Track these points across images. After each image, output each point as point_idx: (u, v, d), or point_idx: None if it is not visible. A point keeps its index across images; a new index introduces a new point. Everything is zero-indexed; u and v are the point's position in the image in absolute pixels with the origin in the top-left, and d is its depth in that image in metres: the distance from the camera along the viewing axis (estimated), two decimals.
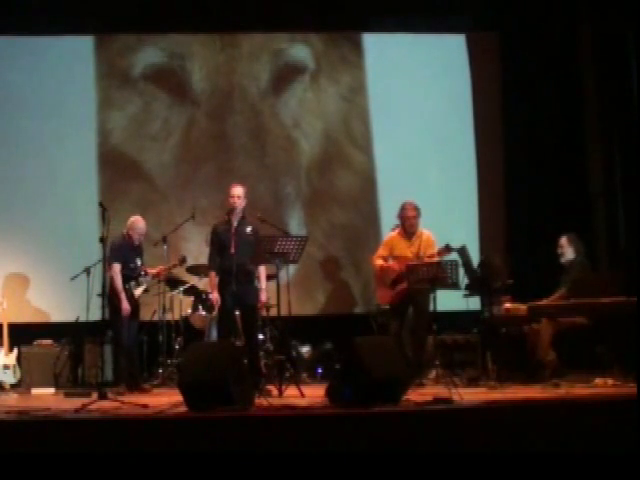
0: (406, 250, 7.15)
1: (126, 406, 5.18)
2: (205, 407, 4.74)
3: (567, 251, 7.04)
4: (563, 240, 7.09)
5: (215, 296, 6.55)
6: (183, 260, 7.56)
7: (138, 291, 7.22)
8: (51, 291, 8.46)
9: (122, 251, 7.15)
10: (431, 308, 6.99)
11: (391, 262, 7.17)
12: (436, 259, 6.88)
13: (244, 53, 9.06)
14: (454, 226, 8.32)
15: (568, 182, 8.76)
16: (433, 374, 7.04)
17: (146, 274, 7.28)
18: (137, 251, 7.31)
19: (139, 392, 6.81)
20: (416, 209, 7.18)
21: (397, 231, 7.33)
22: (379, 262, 7.21)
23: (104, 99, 8.90)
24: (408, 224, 7.17)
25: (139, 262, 7.28)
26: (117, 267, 7.06)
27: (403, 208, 7.23)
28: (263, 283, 6.75)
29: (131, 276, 7.19)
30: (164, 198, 8.82)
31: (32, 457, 4.02)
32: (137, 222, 7.29)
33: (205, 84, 9.01)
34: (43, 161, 8.69)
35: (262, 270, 6.74)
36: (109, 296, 6.73)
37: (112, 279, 6.99)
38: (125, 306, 7.00)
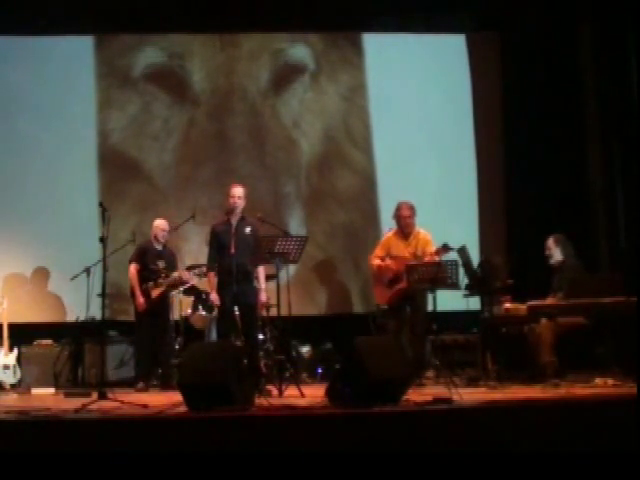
0: (404, 250, 7.17)
1: (126, 406, 5.18)
2: (205, 407, 4.74)
3: (555, 252, 7.03)
4: (550, 241, 7.07)
5: (214, 296, 6.56)
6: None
7: (155, 292, 7.38)
8: (51, 291, 8.46)
9: (141, 253, 7.53)
10: (430, 308, 7.02)
11: (388, 262, 7.18)
12: (436, 259, 6.89)
13: (244, 53, 9.05)
14: (454, 226, 8.32)
15: (568, 182, 8.76)
16: (432, 374, 7.07)
17: (166, 277, 7.39)
18: (161, 254, 7.55)
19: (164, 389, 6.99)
20: (411, 208, 7.20)
21: (393, 231, 7.34)
22: (376, 262, 7.24)
23: (104, 99, 8.90)
24: (404, 224, 7.20)
25: (161, 264, 7.46)
26: (132, 267, 7.46)
27: (398, 208, 7.27)
28: (262, 283, 6.75)
29: (149, 277, 7.41)
30: (164, 198, 8.81)
31: (32, 457, 4.02)
32: (156, 224, 7.60)
33: (205, 84, 9.01)
34: (43, 161, 8.69)
35: (261, 270, 6.75)
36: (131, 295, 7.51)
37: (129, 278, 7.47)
38: (139, 301, 7.31)
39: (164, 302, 7.50)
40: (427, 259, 6.97)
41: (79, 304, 7.20)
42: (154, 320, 7.43)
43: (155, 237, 7.57)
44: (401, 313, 7.15)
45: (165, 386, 7.17)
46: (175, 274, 7.42)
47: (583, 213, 8.74)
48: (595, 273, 7.59)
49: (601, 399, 5.30)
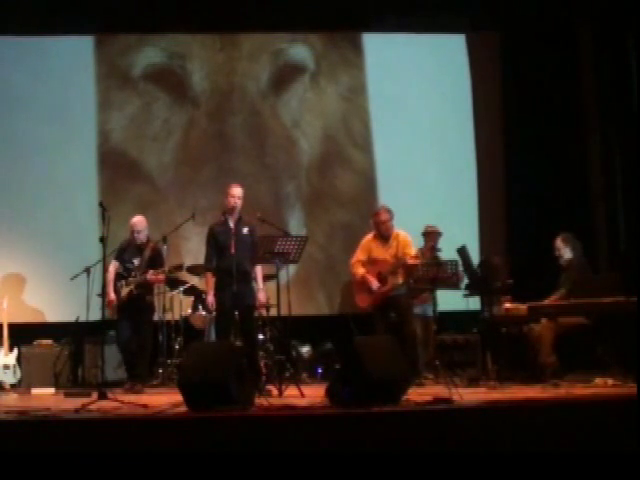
0: (384, 253, 7.13)
1: (126, 406, 5.18)
2: (205, 407, 4.74)
3: (564, 251, 7.03)
4: (558, 242, 7.07)
5: (211, 299, 6.54)
6: (179, 267, 7.41)
7: (124, 291, 7.23)
8: (51, 291, 8.46)
9: (122, 250, 7.35)
10: (431, 309, 7.04)
11: (369, 267, 7.12)
12: (417, 262, 6.91)
13: (244, 53, 9.06)
14: (454, 226, 8.32)
15: (568, 182, 8.76)
16: (432, 374, 7.08)
17: (135, 275, 7.25)
18: (139, 251, 7.35)
19: (134, 392, 6.81)
20: (389, 212, 7.17)
21: (373, 234, 7.30)
22: (360, 270, 7.17)
23: (104, 99, 8.90)
24: (384, 228, 7.16)
25: (137, 262, 7.30)
26: (112, 264, 7.23)
27: (377, 214, 7.24)
28: (260, 283, 6.73)
29: (124, 275, 7.30)
30: (164, 198, 8.82)
31: (32, 457, 4.02)
32: (133, 221, 7.40)
33: (205, 84, 9.01)
34: (43, 161, 8.70)
35: (259, 270, 6.74)
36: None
37: None
38: (108, 298, 7.07)
39: (138, 303, 7.22)
40: (410, 261, 6.94)
41: (79, 304, 7.19)
42: (131, 320, 7.21)
43: (132, 235, 7.39)
44: (386, 315, 7.11)
45: (133, 388, 6.96)
46: (148, 276, 7.16)
47: (583, 213, 8.74)
48: (595, 273, 7.58)
49: (601, 399, 5.29)
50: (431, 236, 7.84)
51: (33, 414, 4.79)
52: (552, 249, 7.09)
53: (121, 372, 7.70)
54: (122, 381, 7.45)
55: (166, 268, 7.19)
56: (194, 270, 7.96)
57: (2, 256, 8.47)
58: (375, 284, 7.03)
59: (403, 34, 9.08)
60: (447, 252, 7.50)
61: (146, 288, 7.29)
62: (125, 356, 7.27)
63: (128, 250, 7.37)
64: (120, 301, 7.20)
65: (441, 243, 7.84)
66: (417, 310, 7.47)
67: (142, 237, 7.37)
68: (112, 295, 7.17)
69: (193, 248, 8.39)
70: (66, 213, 8.60)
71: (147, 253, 7.33)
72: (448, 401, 4.98)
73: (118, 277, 7.29)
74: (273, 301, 6.86)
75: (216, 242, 6.60)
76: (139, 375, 7.19)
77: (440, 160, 8.96)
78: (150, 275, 7.17)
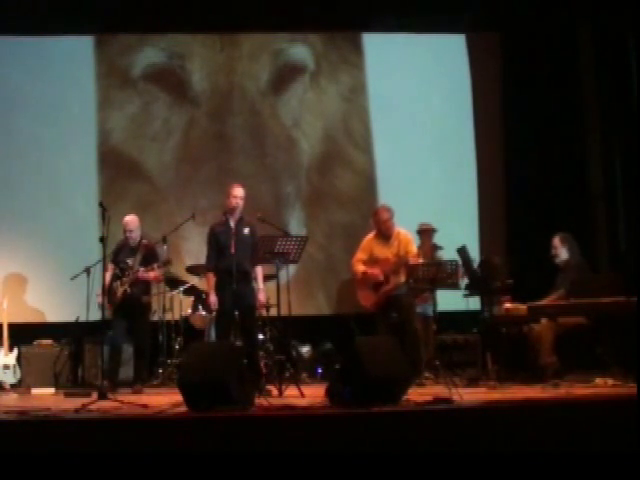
0: (386, 252, 7.11)
1: (126, 406, 5.18)
2: (205, 407, 4.74)
3: (561, 251, 7.02)
4: (556, 241, 7.07)
5: (213, 299, 6.54)
6: (168, 262, 7.38)
7: (119, 291, 7.17)
8: (51, 291, 8.46)
9: (115, 252, 7.31)
10: (431, 309, 7.02)
11: (375, 270, 7.09)
12: (419, 260, 6.90)
13: (244, 53, 9.07)
14: (454, 226, 8.33)
15: (568, 182, 8.76)
16: (432, 374, 7.07)
17: (128, 275, 7.20)
18: (133, 251, 7.32)
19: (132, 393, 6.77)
20: (389, 211, 7.16)
21: (373, 233, 7.29)
22: (360, 267, 7.16)
23: (104, 99, 8.91)
24: (384, 227, 7.14)
25: (130, 262, 7.26)
26: (109, 266, 7.10)
27: (377, 213, 7.22)
28: (260, 283, 6.73)
29: (119, 276, 7.26)
30: (164, 198, 8.82)
31: (32, 457, 4.02)
32: (124, 221, 7.35)
33: (205, 84, 9.02)
34: (43, 161, 8.70)
35: (259, 270, 6.73)
36: None
37: None
38: (99, 298, 6.97)
39: (133, 303, 7.17)
40: (412, 261, 6.93)
41: (79, 304, 7.19)
42: (126, 320, 7.18)
43: (125, 235, 7.36)
44: (388, 315, 7.10)
45: (132, 388, 6.98)
46: (144, 274, 7.14)
47: (583, 213, 8.74)
48: (595, 273, 7.58)
49: (601, 399, 5.30)
50: (426, 233, 7.85)
51: (33, 414, 4.78)
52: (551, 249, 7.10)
53: (122, 371, 7.69)
54: (124, 381, 7.45)
55: (155, 265, 7.16)
56: (194, 270, 7.97)
57: (3, 256, 8.47)
58: (378, 273, 7.00)
59: (403, 34, 9.08)
60: (447, 252, 7.52)
61: (141, 287, 7.27)
62: (111, 357, 7.18)
63: (123, 250, 7.35)
64: (116, 301, 7.17)
65: (440, 242, 7.86)
66: (417, 310, 7.47)
67: (135, 236, 7.34)
68: (99, 299, 6.97)
69: (193, 248, 8.39)
70: (66, 213, 8.60)
71: (140, 252, 7.29)
72: (448, 401, 4.98)
73: (114, 278, 7.26)
74: (273, 301, 6.86)
75: (217, 242, 6.60)
76: (138, 376, 7.19)
77: (440, 160, 8.96)
78: (141, 272, 7.15)
